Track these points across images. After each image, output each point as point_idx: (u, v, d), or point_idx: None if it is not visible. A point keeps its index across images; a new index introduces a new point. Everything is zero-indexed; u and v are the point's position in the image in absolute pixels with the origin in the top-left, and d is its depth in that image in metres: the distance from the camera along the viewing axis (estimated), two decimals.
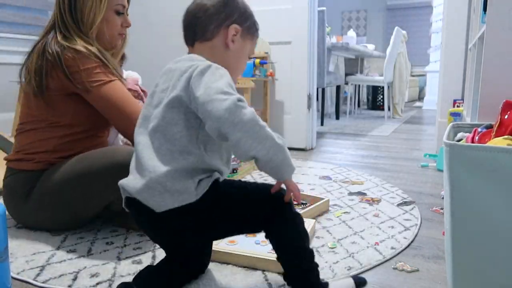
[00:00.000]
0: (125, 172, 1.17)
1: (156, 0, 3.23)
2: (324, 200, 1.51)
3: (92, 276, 1.01)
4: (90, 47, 1.22)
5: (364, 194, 1.73)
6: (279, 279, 0.99)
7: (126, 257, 1.11)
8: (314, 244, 1.21)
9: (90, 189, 1.19)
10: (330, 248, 1.18)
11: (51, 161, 1.25)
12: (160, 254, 1.13)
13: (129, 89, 1.45)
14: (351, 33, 4.99)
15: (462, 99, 2.46)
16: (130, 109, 1.23)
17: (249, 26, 0.95)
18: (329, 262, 1.09)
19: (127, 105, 1.23)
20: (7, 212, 1.07)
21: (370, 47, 5.15)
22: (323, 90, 4.01)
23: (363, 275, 1.03)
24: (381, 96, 5.84)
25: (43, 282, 0.98)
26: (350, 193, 1.74)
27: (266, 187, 0.88)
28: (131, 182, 0.85)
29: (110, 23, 1.31)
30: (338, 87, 4.57)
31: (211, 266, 1.06)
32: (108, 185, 1.18)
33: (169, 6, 3.20)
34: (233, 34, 0.92)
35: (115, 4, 1.30)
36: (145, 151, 0.84)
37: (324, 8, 3.64)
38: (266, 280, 0.99)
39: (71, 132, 1.26)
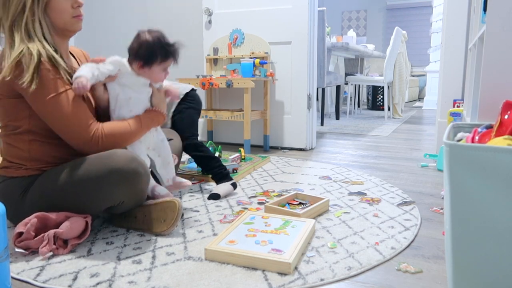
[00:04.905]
0: (122, 178, 1.16)
1: (157, 1, 3.23)
2: (324, 200, 1.51)
3: (92, 276, 1.01)
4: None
5: (364, 194, 1.73)
6: (279, 279, 0.99)
7: (126, 257, 1.11)
8: (314, 244, 1.21)
9: (87, 195, 1.17)
10: (330, 248, 1.18)
11: (41, 167, 1.23)
12: (160, 254, 1.13)
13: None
14: (351, 33, 4.99)
15: (462, 99, 2.46)
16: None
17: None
18: (329, 262, 1.09)
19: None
20: None
21: (370, 47, 5.15)
22: (323, 90, 4.01)
23: (363, 275, 1.03)
24: (381, 96, 5.84)
25: (43, 282, 0.98)
26: (350, 193, 1.74)
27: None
28: None
29: (56, 9, 1.21)
30: (338, 87, 4.57)
31: (211, 266, 1.06)
32: (105, 192, 1.17)
33: (170, 6, 3.20)
34: None
35: None
36: None
37: (324, 8, 3.64)
38: (266, 280, 0.99)
39: (35, 138, 1.22)
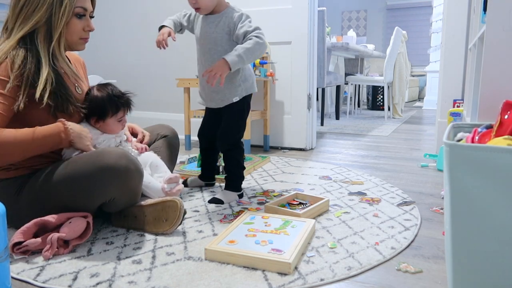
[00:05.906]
0: (113, 175, 1.16)
1: (157, 1, 3.23)
2: (324, 200, 1.51)
3: (92, 276, 1.01)
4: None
5: (364, 194, 1.73)
6: (279, 279, 0.99)
7: (126, 257, 1.11)
8: (314, 244, 1.21)
9: (80, 192, 1.17)
10: (330, 248, 1.18)
11: (31, 166, 1.23)
12: (160, 254, 1.13)
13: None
14: (351, 33, 4.99)
15: (462, 99, 2.46)
16: None
17: None
18: (329, 262, 1.09)
19: None
20: None
21: (370, 47, 5.15)
22: (323, 90, 4.01)
23: (363, 275, 1.03)
24: (381, 96, 5.84)
25: (43, 282, 0.98)
26: (350, 193, 1.74)
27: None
28: None
29: (69, 27, 1.26)
30: (338, 87, 4.57)
31: (211, 266, 1.06)
32: (98, 188, 1.17)
33: (169, 7, 3.20)
34: None
35: (75, 7, 1.24)
36: None
37: (324, 8, 3.64)
38: (266, 280, 0.99)
39: None
